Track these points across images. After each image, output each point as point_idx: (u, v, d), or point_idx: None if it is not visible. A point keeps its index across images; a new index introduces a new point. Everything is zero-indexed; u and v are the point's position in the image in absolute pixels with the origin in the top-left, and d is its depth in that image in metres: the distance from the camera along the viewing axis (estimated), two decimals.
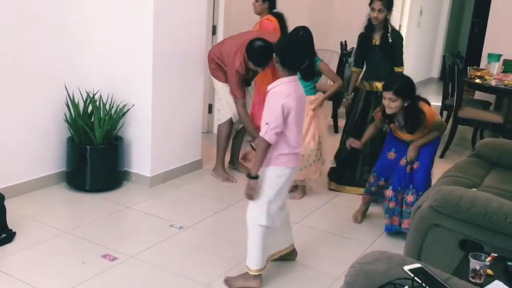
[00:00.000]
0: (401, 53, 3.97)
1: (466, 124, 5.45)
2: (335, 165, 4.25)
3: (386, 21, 3.88)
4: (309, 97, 3.70)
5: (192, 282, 2.72)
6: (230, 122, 4.17)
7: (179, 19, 3.95)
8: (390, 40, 3.88)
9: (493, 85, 5.31)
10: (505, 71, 5.87)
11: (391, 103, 3.13)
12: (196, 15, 4.11)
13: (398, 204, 3.34)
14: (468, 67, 5.82)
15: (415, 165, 3.32)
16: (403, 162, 3.34)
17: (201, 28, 4.20)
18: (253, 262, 2.69)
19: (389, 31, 3.89)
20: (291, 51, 2.56)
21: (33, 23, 3.51)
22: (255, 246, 2.67)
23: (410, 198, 3.30)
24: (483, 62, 6.29)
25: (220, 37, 5.27)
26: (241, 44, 3.82)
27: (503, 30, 6.35)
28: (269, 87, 2.55)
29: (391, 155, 3.45)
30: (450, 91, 5.97)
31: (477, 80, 5.44)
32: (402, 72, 3.87)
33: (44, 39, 3.60)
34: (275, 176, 2.59)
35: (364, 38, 4.00)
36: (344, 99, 4.32)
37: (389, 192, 3.36)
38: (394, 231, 3.38)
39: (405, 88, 3.15)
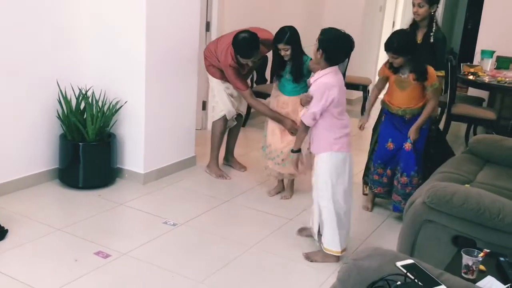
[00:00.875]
0: (443, 55, 3.76)
1: (459, 121, 5.47)
2: None
3: (431, 19, 3.60)
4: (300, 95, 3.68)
5: (186, 279, 2.72)
6: (224, 119, 4.16)
7: (173, 15, 3.93)
8: (432, 40, 3.60)
9: (487, 81, 5.33)
10: (498, 67, 5.89)
11: (395, 60, 3.30)
12: (189, 11, 4.09)
13: (413, 187, 3.43)
14: (461, 64, 5.83)
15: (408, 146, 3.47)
16: (408, 146, 3.44)
17: (194, 24, 4.18)
18: (327, 241, 2.95)
19: (433, 30, 3.61)
20: (338, 45, 2.82)
21: (23, 19, 3.48)
22: (329, 228, 2.94)
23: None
24: (477, 59, 6.30)
25: (214, 33, 5.26)
26: (231, 41, 3.81)
27: (496, 26, 6.36)
28: (313, 78, 2.88)
29: (390, 145, 3.53)
30: (443, 88, 5.97)
31: (471, 77, 5.46)
32: (443, 76, 3.77)
33: (35, 35, 3.57)
34: (341, 161, 2.89)
35: None
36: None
37: (404, 179, 3.48)
38: None
39: (404, 45, 3.26)
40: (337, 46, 2.82)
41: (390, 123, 3.55)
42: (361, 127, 3.64)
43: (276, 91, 3.85)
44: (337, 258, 2.97)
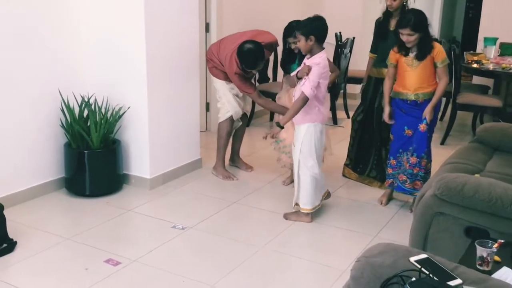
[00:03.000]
0: None
1: (465, 110, 5.42)
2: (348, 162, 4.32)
3: (403, 7, 3.80)
4: None
5: (197, 283, 2.70)
6: (231, 120, 4.14)
7: (172, 18, 3.92)
8: None
9: (491, 69, 5.28)
10: (502, 54, 5.84)
11: (409, 38, 3.32)
12: (188, 13, 4.08)
13: (421, 169, 3.50)
14: (464, 52, 5.78)
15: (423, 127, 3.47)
16: (423, 127, 3.44)
17: (194, 26, 4.16)
18: (307, 202, 3.38)
19: None
20: (319, 25, 3.23)
21: (24, 29, 3.47)
22: (310, 190, 3.36)
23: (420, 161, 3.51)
24: (480, 46, 6.25)
25: (213, 34, 5.24)
26: (235, 48, 3.80)
27: (498, 13, 6.30)
28: (310, 59, 3.23)
29: (409, 132, 3.52)
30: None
31: (474, 65, 5.41)
32: None
33: (35, 45, 3.56)
34: (319, 131, 3.34)
35: (381, 24, 3.93)
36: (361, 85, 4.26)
37: (413, 159, 3.49)
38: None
39: (421, 22, 3.32)
40: (318, 26, 3.23)
41: (401, 112, 3.54)
42: (388, 119, 3.62)
43: (286, 85, 3.88)
44: (310, 217, 3.42)
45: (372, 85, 4.05)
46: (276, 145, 4.01)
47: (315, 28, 3.22)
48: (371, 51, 4.08)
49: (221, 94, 4.12)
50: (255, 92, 3.92)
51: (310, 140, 3.32)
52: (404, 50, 3.43)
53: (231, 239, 3.19)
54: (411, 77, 3.43)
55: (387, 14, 3.87)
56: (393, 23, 3.81)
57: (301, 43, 3.25)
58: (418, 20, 3.30)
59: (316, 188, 3.40)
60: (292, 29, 3.63)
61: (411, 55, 3.41)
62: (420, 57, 3.37)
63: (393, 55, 3.51)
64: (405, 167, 3.55)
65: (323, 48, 3.27)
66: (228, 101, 4.08)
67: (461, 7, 11.08)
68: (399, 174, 3.60)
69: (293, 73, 3.44)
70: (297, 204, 3.46)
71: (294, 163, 3.43)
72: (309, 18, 3.29)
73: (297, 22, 3.57)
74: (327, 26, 3.28)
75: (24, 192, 3.61)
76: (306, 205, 3.41)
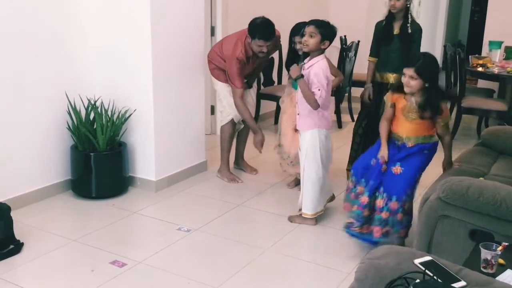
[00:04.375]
0: (419, 45, 3.84)
1: (470, 113, 5.42)
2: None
3: (407, 11, 3.80)
4: None
5: (202, 285, 2.71)
6: (233, 122, 4.16)
7: (177, 22, 3.94)
8: (410, 31, 3.79)
9: (496, 72, 5.28)
10: (507, 58, 5.84)
11: (410, 81, 2.88)
12: (194, 17, 4.10)
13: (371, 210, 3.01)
14: (469, 56, 5.78)
15: (398, 170, 2.99)
16: (397, 169, 2.98)
17: (199, 30, 4.19)
18: (309, 207, 3.40)
19: (409, 22, 3.80)
20: (335, 30, 3.27)
21: (31, 32, 3.50)
22: (313, 195, 3.38)
23: (392, 204, 2.93)
24: (485, 50, 6.25)
25: (219, 37, 5.25)
26: (240, 34, 3.84)
27: (503, 17, 6.30)
28: (309, 63, 3.25)
29: (374, 161, 3.07)
30: (452, 81, 5.93)
31: (480, 69, 5.41)
32: None
33: (42, 47, 3.59)
34: (324, 136, 3.34)
35: (384, 28, 3.91)
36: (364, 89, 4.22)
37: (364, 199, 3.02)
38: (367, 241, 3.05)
39: (428, 67, 2.91)
40: (334, 35, 3.28)
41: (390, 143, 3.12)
42: (382, 160, 3.04)
43: (289, 89, 3.90)
44: (314, 221, 3.43)
45: (376, 90, 4.03)
46: (279, 148, 4.03)
47: (332, 35, 3.25)
48: (370, 55, 4.07)
49: (221, 96, 4.13)
50: (241, 90, 3.89)
51: (314, 146, 3.32)
52: (402, 89, 2.96)
53: (235, 241, 3.20)
54: (405, 127, 3.02)
55: (390, 18, 3.85)
56: (396, 27, 3.83)
57: (314, 39, 3.18)
58: (426, 65, 2.88)
59: (320, 194, 3.40)
60: (299, 28, 3.62)
61: (411, 105, 2.95)
62: (420, 108, 2.90)
63: (390, 96, 3.09)
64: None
65: (323, 53, 3.31)
66: (228, 104, 4.08)
67: (466, 11, 11.08)
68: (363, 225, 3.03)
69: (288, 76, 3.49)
70: (301, 209, 3.48)
71: (300, 168, 3.44)
72: (328, 22, 3.27)
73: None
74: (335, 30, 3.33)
75: (30, 194, 3.63)
76: (308, 210, 3.42)
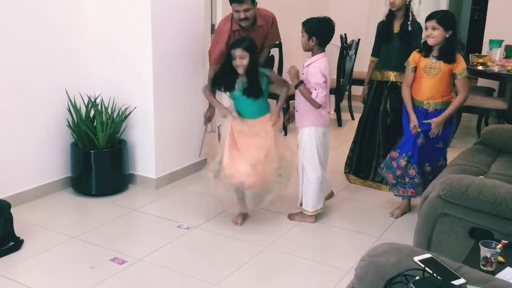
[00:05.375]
0: (419, 43, 3.78)
1: (470, 112, 5.42)
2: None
3: (407, 9, 3.80)
4: (266, 116, 3.33)
5: (202, 282, 2.72)
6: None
7: (178, 19, 3.94)
8: (410, 29, 3.78)
9: (496, 71, 5.27)
10: (507, 56, 5.83)
11: (433, 32, 3.21)
12: (194, 15, 4.10)
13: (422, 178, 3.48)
14: (470, 54, 5.78)
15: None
16: (420, 141, 3.41)
17: (200, 27, 4.19)
18: (309, 204, 3.40)
19: (410, 20, 3.79)
20: (325, 29, 3.23)
21: (31, 29, 3.50)
22: (312, 193, 3.37)
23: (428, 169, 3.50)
24: (485, 49, 6.24)
25: None
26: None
27: (503, 15, 6.29)
28: (307, 62, 3.25)
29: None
30: None
31: (480, 67, 5.41)
32: None
33: (43, 44, 3.60)
34: (321, 134, 3.33)
35: (384, 26, 3.91)
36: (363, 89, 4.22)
37: (412, 171, 3.46)
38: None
39: (449, 17, 3.26)
40: (324, 29, 3.24)
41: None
42: (415, 130, 3.41)
43: (233, 112, 3.32)
44: (314, 218, 3.44)
45: (374, 88, 4.04)
46: (214, 165, 3.33)
47: (319, 30, 3.22)
48: (372, 55, 4.06)
49: (223, 95, 4.11)
50: (214, 66, 3.59)
51: (312, 144, 3.32)
52: (425, 50, 3.34)
53: (235, 239, 3.21)
54: (426, 85, 3.35)
55: (391, 16, 3.86)
56: (397, 25, 3.83)
57: (303, 39, 3.23)
58: (446, 16, 3.26)
59: (319, 191, 3.41)
60: (242, 40, 3.20)
61: (432, 61, 3.30)
62: (440, 57, 3.26)
63: (413, 57, 3.40)
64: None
65: (324, 51, 3.27)
66: (230, 101, 4.07)
67: (467, 9, 11.06)
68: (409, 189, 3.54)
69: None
70: (301, 204, 3.48)
71: (299, 166, 3.44)
72: (317, 18, 3.25)
73: (250, 38, 3.26)
74: (333, 30, 3.27)
75: (31, 191, 3.64)
76: (307, 207, 3.43)
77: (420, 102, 3.39)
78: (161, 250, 3.04)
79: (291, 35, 3.92)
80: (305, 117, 3.33)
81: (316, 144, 3.33)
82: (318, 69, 3.19)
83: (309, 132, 3.32)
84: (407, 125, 3.47)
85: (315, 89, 3.19)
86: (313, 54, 3.26)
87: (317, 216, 3.47)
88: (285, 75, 4.15)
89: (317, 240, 3.29)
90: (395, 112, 3.87)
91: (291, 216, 3.51)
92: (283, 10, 6.14)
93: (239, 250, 3.07)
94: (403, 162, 3.46)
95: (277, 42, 4.37)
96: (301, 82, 3.24)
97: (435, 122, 3.33)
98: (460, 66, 3.28)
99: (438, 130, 3.35)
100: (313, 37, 3.20)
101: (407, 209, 3.63)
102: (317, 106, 3.23)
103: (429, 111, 3.38)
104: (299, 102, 3.33)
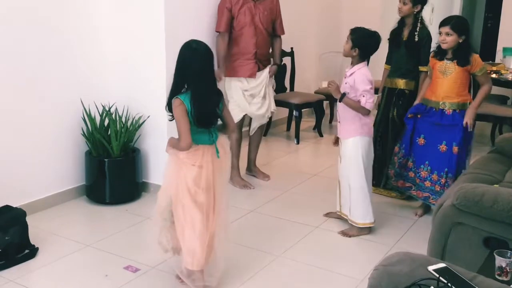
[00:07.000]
0: (428, 52, 3.82)
1: (484, 120, 5.37)
2: None
3: (415, 17, 3.79)
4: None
5: None
6: (240, 125, 4.16)
7: (191, 29, 3.96)
8: (416, 39, 3.78)
9: (510, 79, 5.25)
10: None
11: (446, 38, 3.34)
12: (207, 23, 4.13)
13: (442, 187, 3.50)
14: (483, 62, 5.74)
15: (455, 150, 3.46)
16: (443, 148, 3.49)
17: (212, 40, 4.20)
18: (359, 215, 3.34)
19: (417, 29, 3.79)
20: (370, 43, 3.21)
21: (46, 39, 3.55)
22: (359, 204, 3.32)
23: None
24: (499, 57, 6.21)
25: None
26: None
27: None
28: (350, 71, 3.25)
29: (421, 141, 3.60)
30: None
31: (493, 75, 5.38)
32: (426, 71, 3.76)
33: (58, 55, 3.64)
34: (367, 143, 3.30)
35: (394, 33, 3.93)
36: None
37: (435, 177, 3.55)
38: None
39: (462, 23, 3.38)
40: (369, 44, 3.22)
41: (427, 120, 3.57)
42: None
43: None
44: (370, 229, 3.39)
45: (385, 96, 4.03)
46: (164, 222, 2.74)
47: (364, 43, 3.21)
48: (386, 63, 4.07)
49: (232, 93, 4.11)
50: (221, 35, 4.00)
51: (357, 154, 3.28)
52: (439, 54, 3.44)
53: (248, 248, 3.21)
54: (441, 85, 3.44)
55: (401, 23, 3.89)
56: (406, 33, 3.84)
57: (346, 46, 3.25)
58: (459, 22, 3.36)
59: (364, 201, 3.33)
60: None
61: (446, 62, 3.41)
62: (454, 59, 3.36)
63: (430, 62, 3.56)
64: (424, 184, 3.62)
65: (364, 61, 3.26)
66: (237, 103, 4.08)
67: (480, 17, 11.02)
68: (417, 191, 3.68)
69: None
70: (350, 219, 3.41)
71: (342, 178, 3.40)
72: (366, 31, 3.24)
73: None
74: (378, 46, 3.25)
75: (45, 199, 3.67)
76: (356, 218, 3.37)
77: (436, 103, 3.47)
78: (173, 258, 3.04)
79: (300, 38, 3.94)
80: (349, 127, 3.29)
81: (362, 154, 3.28)
82: (364, 77, 3.19)
83: (354, 141, 3.28)
84: (408, 122, 3.64)
85: (363, 96, 3.19)
86: (353, 63, 3.28)
87: (371, 228, 3.42)
88: (298, 84, 4.17)
89: (330, 249, 3.28)
90: (401, 119, 3.85)
91: (347, 232, 3.41)
92: (294, 17, 6.17)
93: (251, 259, 3.06)
94: (400, 155, 3.66)
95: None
96: (344, 94, 3.24)
97: (467, 114, 3.40)
98: (477, 65, 3.38)
99: (471, 119, 3.41)
100: (357, 48, 3.21)
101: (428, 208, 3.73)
102: (367, 112, 3.22)
103: (446, 112, 3.45)
104: (342, 113, 3.32)
